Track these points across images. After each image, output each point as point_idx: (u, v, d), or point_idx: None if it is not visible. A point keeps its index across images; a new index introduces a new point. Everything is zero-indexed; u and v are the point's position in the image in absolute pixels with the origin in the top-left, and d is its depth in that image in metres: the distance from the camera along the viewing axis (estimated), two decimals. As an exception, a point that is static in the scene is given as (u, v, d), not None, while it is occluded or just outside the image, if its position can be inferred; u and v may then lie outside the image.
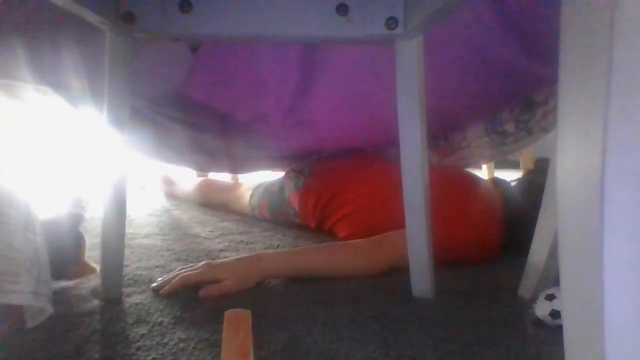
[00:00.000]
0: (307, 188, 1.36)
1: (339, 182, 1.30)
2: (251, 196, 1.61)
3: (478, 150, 1.45)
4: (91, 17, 0.63)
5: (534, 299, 0.73)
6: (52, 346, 0.61)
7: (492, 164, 2.09)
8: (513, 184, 1.23)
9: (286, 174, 1.50)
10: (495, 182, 1.24)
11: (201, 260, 0.90)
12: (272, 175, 1.64)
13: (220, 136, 1.37)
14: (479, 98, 1.29)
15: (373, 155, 1.42)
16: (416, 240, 0.80)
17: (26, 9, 0.84)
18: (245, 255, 0.92)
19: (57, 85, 1.19)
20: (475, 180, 1.21)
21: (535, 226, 0.82)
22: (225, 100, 1.20)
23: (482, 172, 2.07)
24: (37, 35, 0.94)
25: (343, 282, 0.90)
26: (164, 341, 0.64)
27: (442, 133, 1.49)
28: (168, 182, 2.07)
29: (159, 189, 2.14)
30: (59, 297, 0.79)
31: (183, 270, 0.85)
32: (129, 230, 1.33)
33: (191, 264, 0.89)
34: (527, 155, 2.04)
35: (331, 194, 1.29)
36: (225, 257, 1.07)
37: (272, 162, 1.65)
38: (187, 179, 2.00)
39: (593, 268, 0.33)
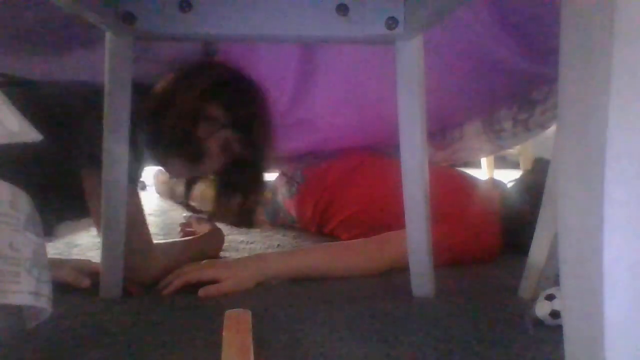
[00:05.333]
0: (303, 194, 1.35)
1: (335, 184, 1.29)
2: None
3: (474, 144, 1.45)
4: (91, 17, 0.63)
5: (534, 299, 0.74)
6: (52, 346, 0.61)
7: (492, 163, 2.09)
8: (511, 184, 1.23)
9: (277, 178, 1.48)
10: (493, 183, 1.24)
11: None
12: (268, 177, 1.63)
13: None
14: (478, 97, 1.29)
15: (364, 153, 1.40)
16: (416, 240, 0.80)
17: (28, 10, 0.84)
18: (246, 255, 0.93)
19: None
20: (473, 181, 1.21)
21: (534, 226, 0.82)
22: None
23: (482, 171, 2.07)
24: (40, 35, 0.95)
25: (343, 282, 0.90)
26: (164, 341, 0.64)
27: (439, 131, 1.49)
28: (164, 181, 2.06)
29: (156, 189, 2.14)
30: (59, 297, 0.78)
31: (184, 270, 0.85)
32: (129, 230, 1.33)
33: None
34: (526, 155, 2.04)
35: (328, 198, 1.29)
36: (225, 257, 1.07)
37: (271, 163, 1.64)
38: None
39: (593, 268, 0.33)
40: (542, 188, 0.82)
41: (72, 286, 0.81)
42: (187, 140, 0.85)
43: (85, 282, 0.81)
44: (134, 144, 0.83)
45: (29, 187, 0.80)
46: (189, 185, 1.04)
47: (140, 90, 0.79)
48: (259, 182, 0.98)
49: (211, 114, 0.86)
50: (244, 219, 1.01)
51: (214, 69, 0.90)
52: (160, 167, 1.05)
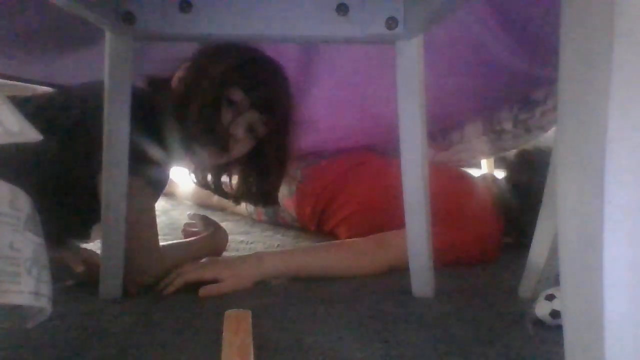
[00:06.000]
0: (303, 193, 1.34)
1: (335, 183, 1.29)
2: None
3: (475, 145, 1.45)
4: (91, 17, 0.63)
5: (534, 299, 0.74)
6: (52, 346, 0.61)
7: (492, 163, 2.08)
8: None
9: None
10: (491, 178, 1.24)
11: (201, 260, 0.90)
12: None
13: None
14: (478, 98, 1.29)
15: (364, 152, 1.40)
16: (416, 240, 0.80)
17: (31, 11, 0.84)
18: (245, 254, 0.92)
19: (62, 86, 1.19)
20: (471, 180, 1.21)
21: (532, 212, 0.82)
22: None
23: (482, 172, 2.07)
24: (42, 36, 0.95)
25: (343, 282, 0.90)
26: (164, 341, 0.64)
27: (440, 132, 1.49)
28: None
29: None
30: (59, 297, 0.78)
31: (183, 269, 0.85)
32: (129, 230, 1.33)
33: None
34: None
35: (328, 196, 1.29)
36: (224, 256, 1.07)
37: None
38: (187, 179, 1.99)
39: (593, 268, 0.33)
40: (529, 178, 0.83)
41: (68, 269, 0.82)
42: (212, 128, 0.84)
43: (80, 268, 0.81)
44: (159, 146, 0.83)
45: (61, 190, 0.80)
46: (218, 174, 1.03)
47: (138, 92, 0.79)
48: (282, 160, 0.97)
49: (232, 98, 0.86)
50: (268, 198, 1.01)
51: (229, 52, 0.89)
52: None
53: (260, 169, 0.97)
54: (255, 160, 0.96)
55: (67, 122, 0.82)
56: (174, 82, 0.89)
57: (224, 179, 1.03)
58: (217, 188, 1.03)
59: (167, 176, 0.93)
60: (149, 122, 0.82)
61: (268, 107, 0.88)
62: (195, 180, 1.03)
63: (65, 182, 0.82)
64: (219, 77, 0.84)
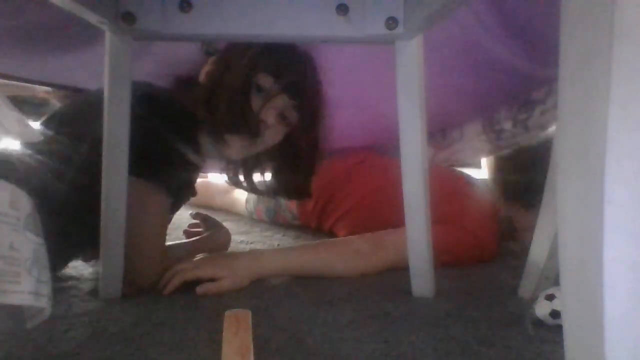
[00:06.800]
0: None
1: (335, 181, 1.29)
2: (246, 201, 1.60)
3: (474, 145, 1.45)
4: (91, 17, 0.63)
5: (534, 299, 0.74)
6: (52, 346, 0.61)
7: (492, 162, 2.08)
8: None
9: None
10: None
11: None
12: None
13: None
14: (478, 97, 1.29)
15: (364, 152, 1.41)
16: (416, 240, 0.80)
17: (31, 11, 0.84)
18: (241, 252, 0.92)
19: (62, 86, 1.19)
20: (471, 180, 1.21)
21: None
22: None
23: (482, 172, 2.06)
24: (42, 36, 0.95)
25: (343, 282, 0.90)
26: (164, 341, 0.64)
27: (439, 131, 1.49)
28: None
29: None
30: (59, 297, 0.79)
31: (180, 267, 0.85)
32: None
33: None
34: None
35: (329, 193, 1.29)
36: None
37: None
38: None
39: (593, 268, 0.33)
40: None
41: None
42: (244, 115, 0.84)
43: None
44: (184, 148, 0.82)
45: (86, 197, 0.80)
46: (250, 169, 1.01)
47: (142, 87, 0.79)
48: (314, 150, 0.96)
49: (261, 83, 0.85)
50: (302, 190, 1.00)
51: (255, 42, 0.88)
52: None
53: (293, 160, 0.96)
54: (287, 152, 0.95)
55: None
56: (202, 77, 0.89)
57: (256, 175, 1.02)
58: (250, 184, 1.02)
59: (188, 181, 0.92)
60: (172, 124, 0.81)
61: (298, 92, 0.88)
62: (226, 179, 1.02)
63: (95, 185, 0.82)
64: (246, 64, 0.84)
